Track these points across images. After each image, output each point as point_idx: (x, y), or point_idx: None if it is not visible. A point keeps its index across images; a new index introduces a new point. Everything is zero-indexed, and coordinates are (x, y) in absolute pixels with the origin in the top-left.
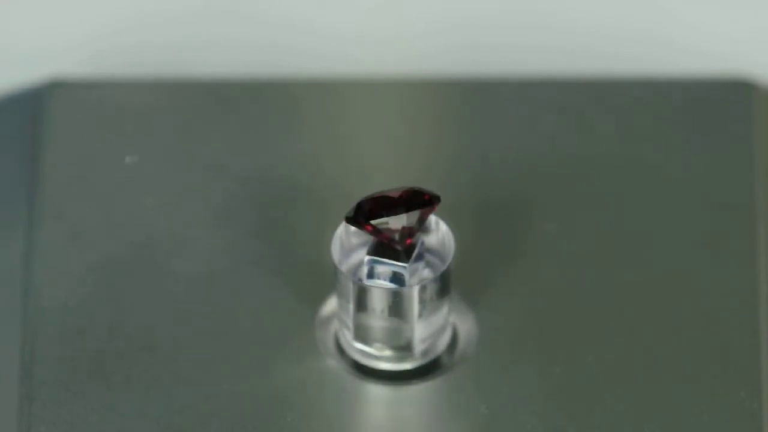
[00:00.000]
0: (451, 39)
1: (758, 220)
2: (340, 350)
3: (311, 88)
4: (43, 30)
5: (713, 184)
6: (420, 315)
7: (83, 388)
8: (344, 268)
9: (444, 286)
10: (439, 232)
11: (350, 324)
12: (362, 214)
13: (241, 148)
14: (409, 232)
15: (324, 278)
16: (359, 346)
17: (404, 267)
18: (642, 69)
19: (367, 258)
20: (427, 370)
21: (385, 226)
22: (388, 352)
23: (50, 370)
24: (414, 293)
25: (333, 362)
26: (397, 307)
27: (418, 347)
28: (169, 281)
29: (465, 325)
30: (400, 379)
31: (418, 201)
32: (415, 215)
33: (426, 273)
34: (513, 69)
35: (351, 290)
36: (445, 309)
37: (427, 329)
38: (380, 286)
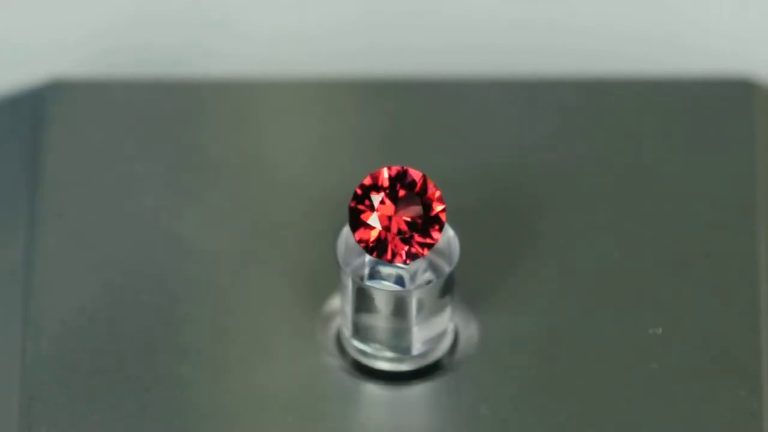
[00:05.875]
0: (452, 39)
1: (758, 220)
2: (341, 350)
3: (311, 89)
4: (43, 30)
5: (713, 184)
6: (419, 317)
7: (83, 388)
8: (349, 268)
9: (447, 288)
10: (445, 235)
11: (350, 323)
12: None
13: (242, 147)
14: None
15: (325, 278)
16: (358, 345)
17: (404, 269)
18: (642, 69)
19: (368, 258)
20: (428, 370)
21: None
22: (387, 353)
23: (50, 370)
24: (413, 296)
25: (333, 362)
26: (396, 309)
27: (417, 350)
28: (169, 281)
29: (465, 325)
30: (401, 379)
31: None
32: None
33: (428, 275)
34: (513, 69)
35: (351, 290)
36: (447, 311)
37: (426, 332)
38: (381, 288)
